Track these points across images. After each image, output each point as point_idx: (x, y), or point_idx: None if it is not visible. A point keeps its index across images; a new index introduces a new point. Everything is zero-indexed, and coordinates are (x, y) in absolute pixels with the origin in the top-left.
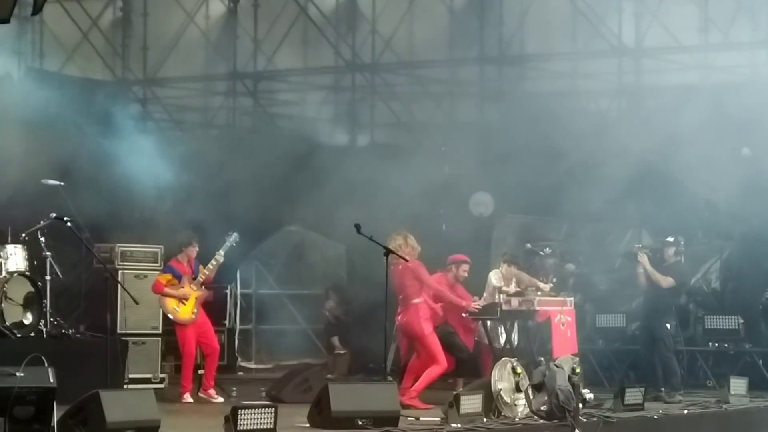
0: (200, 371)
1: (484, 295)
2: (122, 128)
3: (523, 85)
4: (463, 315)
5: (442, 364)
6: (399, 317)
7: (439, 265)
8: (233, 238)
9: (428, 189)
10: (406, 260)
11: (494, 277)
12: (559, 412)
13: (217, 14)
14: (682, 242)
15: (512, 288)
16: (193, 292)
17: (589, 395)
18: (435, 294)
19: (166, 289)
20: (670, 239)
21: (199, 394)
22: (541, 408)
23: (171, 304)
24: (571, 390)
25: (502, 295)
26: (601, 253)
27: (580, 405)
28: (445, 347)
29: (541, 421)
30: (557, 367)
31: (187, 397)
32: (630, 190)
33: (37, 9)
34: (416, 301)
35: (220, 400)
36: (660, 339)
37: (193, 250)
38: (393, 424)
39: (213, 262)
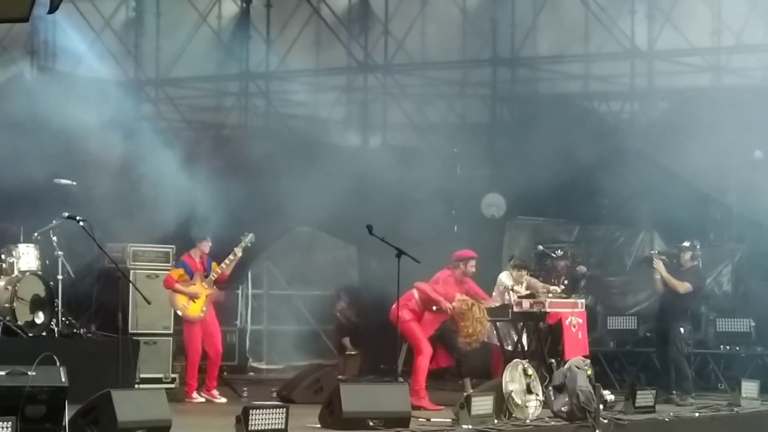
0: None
1: (494, 294)
2: (134, 128)
3: (536, 86)
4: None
5: (425, 352)
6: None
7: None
8: (249, 238)
9: (440, 190)
10: (418, 261)
11: (505, 277)
12: (580, 413)
13: (230, 14)
14: (698, 246)
15: (523, 289)
16: (204, 290)
17: (609, 396)
18: (422, 295)
19: (177, 286)
20: (686, 244)
21: (202, 393)
22: (562, 409)
23: (181, 300)
24: (592, 391)
25: (513, 296)
26: (613, 255)
27: (601, 406)
28: (444, 346)
29: (553, 422)
30: (578, 368)
31: (196, 396)
32: (642, 192)
33: (54, 7)
34: (410, 290)
35: (223, 400)
36: (672, 342)
37: (206, 245)
38: (404, 424)
39: (230, 257)
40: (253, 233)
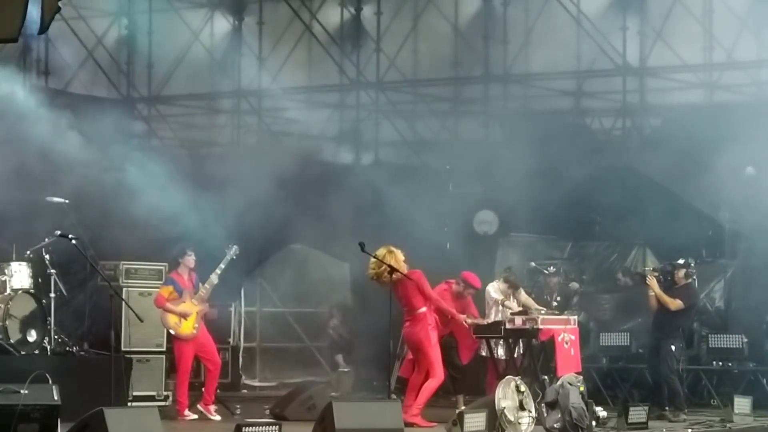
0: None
1: (487, 312)
2: (126, 146)
3: (528, 103)
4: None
5: (439, 377)
6: (405, 327)
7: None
8: (233, 250)
9: (432, 207)
10: (411, 279)
11: (493, 290)
12: (573, 430)
13: (222, 32)
14: (692, 264)
15: (513, 303)
16: (194, 308)
17: (602, 413)
18: (436, 305)
19: (168, 305)
20: (681, 261)
21: (198, 406)
22: (555, 426)
23: (172, 319)
24: (585, 408)
25: (506, 310)
26: (605, 271)
27: (593, 423)
28: (443, 361)
29: None
30: (570, 385)
31: (188, 413)
32: (634, 208)
33: (44, 28)
34: (422, 310)
35: (218, 418)
36: (663, 359)
37: (190, 260)
38: None
39: (208, 284)
40: (237, 246)
